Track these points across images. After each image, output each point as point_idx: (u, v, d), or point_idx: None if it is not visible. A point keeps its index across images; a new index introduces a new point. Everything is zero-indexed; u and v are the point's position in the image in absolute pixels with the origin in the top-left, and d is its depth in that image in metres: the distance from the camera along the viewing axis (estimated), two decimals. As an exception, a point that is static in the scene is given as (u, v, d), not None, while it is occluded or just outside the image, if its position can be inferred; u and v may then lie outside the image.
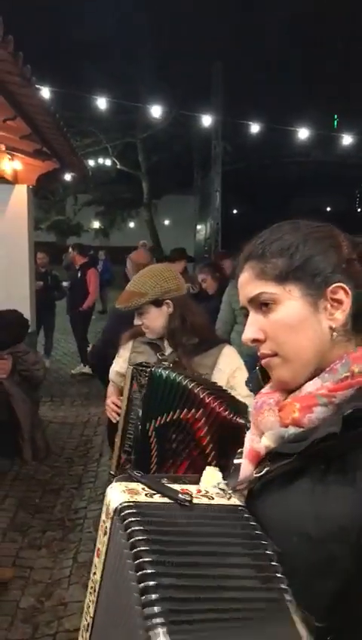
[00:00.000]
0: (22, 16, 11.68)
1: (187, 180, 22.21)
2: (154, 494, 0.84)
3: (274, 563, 0.75)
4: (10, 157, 5.89)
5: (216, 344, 2.23)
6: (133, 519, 0.76)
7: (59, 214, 23.54)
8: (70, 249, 9.08)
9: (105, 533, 0.84)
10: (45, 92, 8.09)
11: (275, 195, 25.80)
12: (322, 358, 0.89)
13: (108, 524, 0.83)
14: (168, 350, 2.23)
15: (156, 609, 0.66)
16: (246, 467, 0.94)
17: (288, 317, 0.89)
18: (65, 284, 8.78)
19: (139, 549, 0.72)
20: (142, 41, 19.13)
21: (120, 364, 2.48)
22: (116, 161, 19.92)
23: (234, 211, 30.49)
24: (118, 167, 20.23)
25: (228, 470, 0.99)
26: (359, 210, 35.43)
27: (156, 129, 18.05)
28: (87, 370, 7.68)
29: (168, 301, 2.18)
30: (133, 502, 0.81)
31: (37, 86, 4.33)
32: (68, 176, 10.58)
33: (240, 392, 1.95)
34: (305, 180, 26.45)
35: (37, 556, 3.52)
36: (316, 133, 13.11)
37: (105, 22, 21.68)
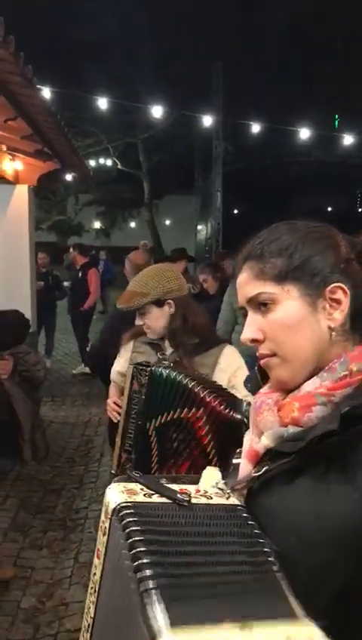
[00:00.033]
0: (23, 16, 11.69)
1: (188, 180, 22.22)
2: (153, 494, 0.84)
3: (270, 559, 0.76)
4: (11, 157, 5.89)
5: (217, 344, 2.23)
6: (130, 519, 0.76)
7: (60, 214, 23.56)
8: (71, 249, 9.09)
9: (104, 534, 0.85)
10: (46, 92, 8.10)
11: (276, 195, 25.81)
12: (321, 357, 0.89)
13: (107, 525, 0.84)
14: (169, 350, 2.23)
15: (150, 580, 0.68)
16: (245, 467, 0.94)
17: (287, 317, 0.89)
18: (66, 284, 8.79)
19: (137, 549, 0.72)
20: (143, 41, 19.16)
21: (121, 364, 2.48)
22: (117, 161, 19.94)
23: (235, 211, 30.50)
24: (119, 167, 20.25)
25: (228, 470, 0.99)
26: (360, 210, 35.42)
27: (157, 129, 18.07)
28: (87, 370, 7.68)
29: (170, 301, 2.18)
30: (131, 502, 0.81)
31: (38, 86, 4.33)
32: (69, 177, 10.59)
33: (242, 391, 1.95)
34: (306, 179, 26.46)
35: (38, 556, 3.52)
36: (317, 133, 13.12)
37: (106, 22, 21.72)
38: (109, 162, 20.02)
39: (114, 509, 0.81)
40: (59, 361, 8.95)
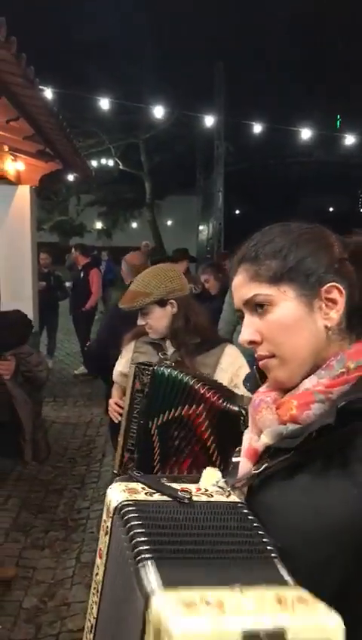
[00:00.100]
0: (25, 17, 11.71)
1: (189, 180, 22.22)
2: (154, 493, 0.85)
3: (269, 547, 0.76)
4: (13, 158, 5.89)
5: (219, 343, 2.23)
6: (132, 516, 0.77)
7: (62, 215, 23.55)
8: (73, 249, 9.10)
9: (106, 533, 0.85)
10: (48, 93, 8.11)
11: (278, 195, 25.81)
12: (318, 357, 0.90)
13: (108, 524, 0.84)
14: (170, 350, 2.24)
15: (146, 553, 0.70)
16: (244, 465, 0.94)
17: (284, 317, 0.90)
18: (67, 284, 8.80)
19: (137, 539, 0.73)
20: (145, 41, 19.17)
21: (123, 365, 2.48)
22: (119, 161, 19.94)
23: (237, 212, 30.48)
24: (121, 167, 20.25)
25: (228, 465, 0.99)
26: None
27: (159, 129, 18.07)
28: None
29: (172, 301, 2.18)
30: (132, 500, 0.82)
31: (40, 87, 4.34)
32: (71, 177, 10.60)
33: (244, 390, 1.95)
34: (307, 180, 26.45)
35: (40, 556, 3.53)
36: (318, 133, 13.11)
37: (108, 23, 21.73)
38: (111, 163, 20.02)
39: (115, 508, 0.81)
40: (61, 362, 8.96)
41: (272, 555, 0.75)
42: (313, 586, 0.70)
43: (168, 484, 0.87)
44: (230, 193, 18.38)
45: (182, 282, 2.24)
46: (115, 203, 23.75)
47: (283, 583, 0.70)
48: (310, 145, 15.88)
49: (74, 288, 8.53)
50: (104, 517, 0.86)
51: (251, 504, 0.87)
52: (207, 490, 0.88)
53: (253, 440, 0.95)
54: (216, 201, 16.83)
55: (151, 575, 0.67)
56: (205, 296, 4.87)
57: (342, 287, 0.89)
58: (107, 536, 0.85)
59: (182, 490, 0.85)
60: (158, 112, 11.26)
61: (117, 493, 0.84)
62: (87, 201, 23.63)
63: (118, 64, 17.90)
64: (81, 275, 8.33)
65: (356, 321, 0.92)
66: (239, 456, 0.98)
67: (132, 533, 0.74)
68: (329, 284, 0.89)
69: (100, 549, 0.88)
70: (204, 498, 0.86)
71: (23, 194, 6.38)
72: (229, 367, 2.16)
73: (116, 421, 2.41)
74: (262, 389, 0.98)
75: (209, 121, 12.99)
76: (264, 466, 0.89)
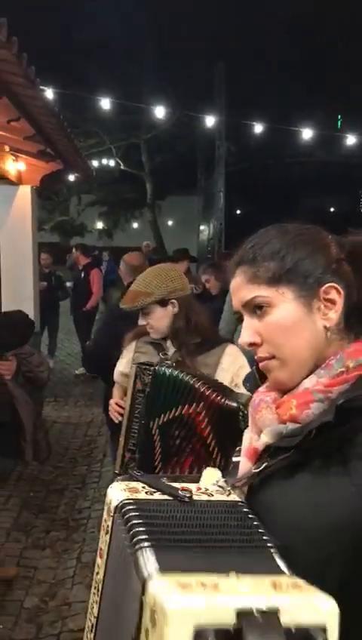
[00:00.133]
0: (26, 17, 11.72)
1: (190, 180, 22.22)
2: (155, 492, 0.85)
3: (269, 545, 0.77)
4: (14, 158, 5.90)
5: (219, 343, 2.23)
6: (133, 514, 0.78)
7: (63, 215, 23.56)
8: (74, 249, 9.10)
9: (106, 533, 0.86)
10: (49, 93, 8.12)
11: (279, 195, 25.79)
12: (318, 357, 0.90)
13: (109, 523, 0.84)
14: (171, 350, 2.24)
15: (144, 542, 0.72)
16: (244, 464, 0.95)
17: (283, 319, 0.90)
18: (68, 284, 8.81)
19: (138, 537, 0.74)
20: (146, 41, 19.16)
21: (123, 365, 2.48)
22: (120, 161, 19.96)
23: (238, 212, 30.48)
24: (122, 167, 20.27)
25: (229, 463, 1.00)
26: (363, 210, 35.37)
27: (160, 130, 18.08)
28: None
29: (173, 301, 2.18)
30: (133, 499, 0.82)
31: (41, 87, 4.34)
32: (71, 177, 10.60)
33: (245, 390, 1.96)
34: (308, 180, 26.44)
35: (41, 556, 3.53)
36: (319, 133, 13.11)
37: (109, 23, 21.73)
38: (112, 163, 20.04)
39: (116, 507, 0.82)
40: (62, 362, 8.96)
41: (270, 548, 0.76)
42: (313, 583, 0.70)
43: (168, 483, 0.88)
44: (231, 193, 18.41)
45: (183, 282, 2.24)
46: (116, 203, 23.76)
47: (280, 572, 0.71)
48: (311, 145, 15.88)
49: (75, 288, 8.54)
50: (105, 516, 0.86)
51: (251, 503, 0.87)
52: (207, 490, 0.89)
53: (253, 439, 0.95)
54: (216, 201, 16.85)
55: (148, 561, 0.68)
56: (206, 297, 4.87)
57: (340, 288, 0.90)
58: (108, 536, 0.85)
59: (183, 490, 0.85)
60: (159, 112, 11.27)
61: (117, 493, 0.85)
62: (88, 201, 23.63)
63: (118, 64, 17.93)
64: (82, 275, 8.34)
65: (354, 320, 0.92)
66: (239, 455, 0.99)
67: (133, 532, 0.75)
68: (327, 285, 0.89)
69: (101, 549, 0.88)
70: (205, 497, 0.86)
71: (24, 194, 6.38)
72: (230, 367, 2.16)
73: (116, 421, 2.41)
74: (262, 388, 0.99)
75: (210, 121, 13.00)
76: (264, 465, 0.89)
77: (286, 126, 13.16)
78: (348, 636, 0.67)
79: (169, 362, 2.08)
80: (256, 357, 0.95)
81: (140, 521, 0.76)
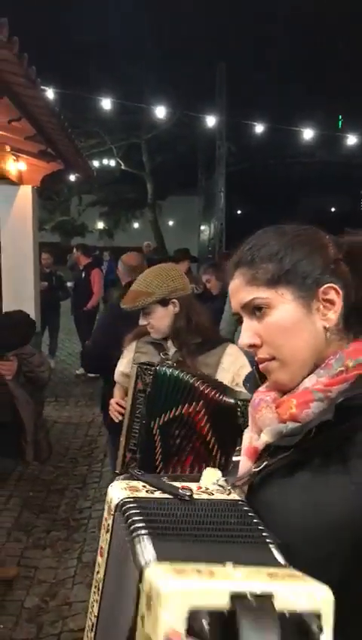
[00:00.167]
0: (27, 17, 11.71)
1: (191, 180, 22.23)
2: (155, 491, 0.86)
3: (269, 540, 0.77)
4: (15, 158, 5.90)
5: (220, 343, 2.23)
6: (133, 511, 0.78)
7: (64, 215, 23.57)
8: (74, 249, 9.11)
9: (107, 531, 0.86)
10: (50, 93, 8.12)
11: (279, 195, 25.80)
12: (318, 358, 0.90)
13: (110, 522, 0.85)
14: (172, 350, 2.23)
15: (142, 530, 0.73)
16: (245, 464, 0.95)
17: (283, 320, 0.90)
18: (69, 284, 8.81)
19: (136, 525, 0.74)
20: (147, 42, 19.16)
21: (124, 365, 2.48)
22: (120, 161, 19.97)
23: (238, 212, 30.49)
24: (123, 167, 20.27)
25: (228, 461, 1.00)
26: (364, 210, 35.34)
27: (160, 130, 18.08)
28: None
29: (174, 300, 2.18)
30: (133, 497, 0.82)
31: (42, 87, 4.34)
32: (72, 177, 10.61)
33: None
34: (309, 180, 26.43)
35: (41, 556, 3.53)
36: (320, 133, 13.11)
37: (110, 23, 21.73)
38: (113, 163, 20.05)
39: (117, 505, 0.82)
40: (63, 362, 8.96)
41: (270, 543, 0.76)
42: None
43: (169, 482, 0.88)
44: (231, 193, 18.41)
45: (184, 282, 2.24)
46: (117, 203, 23.77)
47: (278, 564, 0.72)
48: (312, 145, 15.89)
49: (75, 288, 8.54)
50: (105, 515, 0.87)
51: (251, 502, 0.87)
52: (207, 489, 0.89)
53: (253, 439, 0.95)
54: (217, 202, 16.85)
55: (146, 550, 0.69)
56: (207, 297, 4.87)
57: (338, 288, 0.90)
58: (108, 534, 0.85)
59: (183, 488, 0.85)
60: (160, 112, 11.28)
61: (118, 491, 0.85)
62: (89, 201, 23.65)
63: (119, 64, 17.93)
64: (83, 275, 8.34)
65: (353, 320, 0.92)
66: (239, 455, 0.99)
67: (131, 521, 0.76)
68: (326, 285, 0.90)
69: (101, 547, 0.88)
70: (205, 496, 0.86)
71: (25, 194, 6.38)
72: (231, 367, 2.15)
73: (117, 421, 2.41)
74: (262, 388, 0.99)
75: (211, 121, 13.00)
76: (264, 464, 0.89)
77: (286, 126, 13.16)
78: (348, 635, 0.67)
79: (170, 362, 2.08)
80: (256, 358, 0.95)
81: (140, 517, 0.77)
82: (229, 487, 0.90)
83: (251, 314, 0.94)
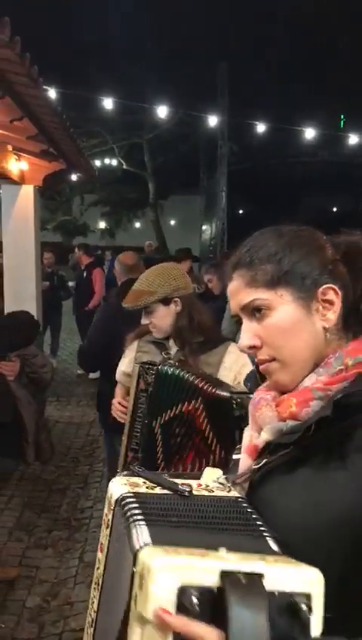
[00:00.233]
0: (29, 16, 11.72)
1: (193, 180, 22.22)
2: (155, 487, 0.86)
3: (266, 534, 0.77)
4: (16, 157, 5.90)
5: (222, 342, 2.23)
6: (132, 506, 0.78)
7: (66, 215, 23.58)
8: (76, 249, 9.11)
9: (107, 527, 0.86)
10: (52, 93, 8.12)
11: (281, 195, 25.79)
12: (317, 358, 0.91)
13: (110, 517, 0.85)
14: (174, 349, 2.23)
15: (139, 516, 0.75)
16: (245, 461, 0.95)
17: (282, 321, 0.90)
18: (71, 284, 8.81)
19: (132, 512, 0.76)
20: (148, 41, 19.17)
21: (126, 364, 2.48)
22: (122, 161, 19.97)
23: (240, 211, 30.45)
24: (124, 167, 20.28)
25: (228, 458, 1.01)
26: (365, 210, 35.26)
27: (162, 129, 18.08)
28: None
29: (176, 299, 2.18)
30: (133, 492, 0.83)
31: (44, 87, 4.34)
32: (74, 177, 10.61)
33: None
34: (311, 179, 26.42)
35: (43, 556, 3.54)
36: (322, 133, 13.10)
37: (111, 23, 21.74)
38: (114, 162, 20.06)
39: (117, 500, 0.83)
40: (65, 361, 8.97)
41: (265, 534, 0.77)
42: None
43: (169, 479, 0.89)
44: (233, 193, 18.41)
45: (186, 280, 2.24)
46: (119, 203, 23.77)
47: (272, 552, 0.72)
48: (314, 145, 15.88)
49: (77, 288, 8.55)
50: (105, 510, 0.87)
51: (251, 500, 0.88)
52: (207, 486, 0.89)
53: (253, 437, 0.95)
54: (219, 201, 16.85)
55: (142, 535, 0.70)
56: (208, 296, 4.87)
57: (337, 288, 0.90)
58: (108, 529, 0.86)
59: (183, 485, 0.86)
60: (162, 111, 11.27)
61: (118, 487, 0.85)
62: (91, 200, 23.65)
63: (121, 64, 17.94)
64: (84, 274, 8.34)
65: (352, 320, 0.93)
66: (240, 453, 0.99)
67: (130, 514, 0.76)
68: (325, 286, 0.90)
69: (101, 543, 0.89)
70: (205, 493, 0.87)
71: (27, 194, 6.38)
72: (233, 366, 2.15)
73: (120, 420, 2.41)
74: (262, 387, 0.99)
75: (212, 121, 12.99)
76: (264, 461, 0.90)
77: (288, 126, 13.15)
78: (348, 631, 0.67)
79: (172, 361, 2.08)
80: (256, 360, 0.96)
81: (139, 509, 0.77)
82: (229, 485, 0.91)
83: (251, 315, 0.94)
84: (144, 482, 0.87)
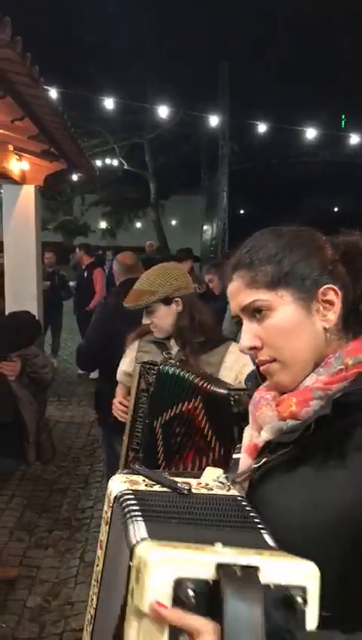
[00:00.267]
0: (30, 16, 11.72)
1: (194, 180, 22.23)
2: (154, 485, 0.87)
3: (261, 528, 0.78)
4: (17, 157, 5.90)
5: (223, 342, 2.23)
6: (131, 502, 0.79)
7: (67, 215, 23.60)
8: (77, 249, 9.11)
9: (106, 524, 0.87)
10: (53, 93, 8.12)
11: (282, 195, 25.77)
12: (318, 358, 0.91)
13: (109, 514, 0.86)
14: (175, 349, 2.23)
15: (136, 512, 0.75)
16: (245, 460, 0.96)
17: (283, 322, 0.91)
18: (71, 283, 8.81)
19: (130, 507, 0.76)
20: (150, 41, 19.17)
21: (127, 364, 2.48)
22: (123, 161, 19.98)
23: (241, 211, 30.45)
24: (125, 167, 20.29)
25: (228, 457, 1.01)
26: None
27: (163, 129, 18.08)
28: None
29: (177, 299, 2.18)
30: (132, 490, 0.83)
31: (45, 87, 4.34)
32: (75, 177, 10.62)
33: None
34: (312, 179, 26.41)
35: (44, 555, 3.54)
36: (323, 133, 13.10)
37: (113, 23, 21.73)
38: (115, 162, 20.06)
39: (115, 497, 0.83)
40: (66, 361, 8.96)
41: (261, 529, 0.77)
42: None
43: (169, 477, 0.89)
44: (234, 193, 18.41)
45: (187, 280, 2.24)
46: (120, 203, 23.78)
47: (269, 547, 0.73)
48: (315, 145, 15.87)
49: (78, 288, 8.55)
50: (105, 508, 0.88)
51: (251, 499, 0.88)
52: (207, 485, 0.90)
53: (253, 436, 0.96)
54: (220, 201, 16.85)
55: (139, 531, 0.70)
56: (209, 296, 4.87)
57: (337, 289, 0.91)
58: (107, 526, 0.86)
59: (182, 483, 0.86)
60: (163, 111, 11.27)
61: (118, 484, 0.86)
62: (92, 200, 23.67)
63: (122, 64, 17.96)
64: (85, 274, 8.34)
65: (352, 321, 0.93)
66: (239, 452, 0.99)
67: (126, 507, 0.77)
68: (325, 286, 0.90)
69: (101, 541, 0.89)
70: (204, 491, 0.87)
71: (28, 194, 6.38)
72: (234, 366, 2.15)
73: (122, 420, 2.41)
74: (263, 386, 0.99)
75: (213, 121, 12.99)
76: (264, 460, 0.90)
77: (289, 126, 13.15)
78: (348, 629, 0.68)
79: (173, 361, 2.07)
80: (256, 360, 0.96)
81: (137, 507, 0.78)
82: (229, 484, 0.91)
83: (251, 316, 0.94)
84: (143, 480, 0.88)
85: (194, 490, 0.85)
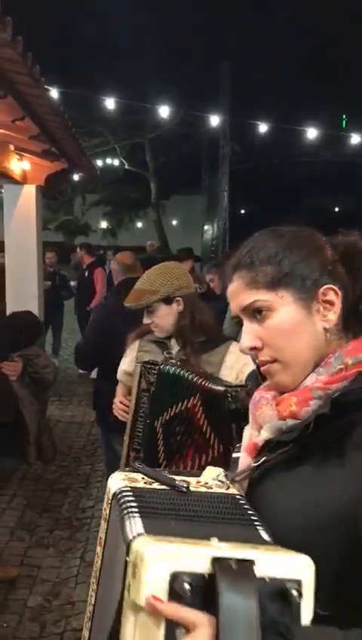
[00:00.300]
0: (31, 16, 11.73)
1: (195, 180, 22.23)
2: (153, 482, 0.87)
3: (257, 524, 0.78)
4: (18, 157, 5.90)
5: (223, 341, 2.23)
6: (129, 499, 0.79)
7: (68, 214, 23.61)
8: (78, 249, 9.12)
9: (105, 521, 0.88)
10: (54, 92, 8.12)
11: (283, 195, 25.77)
12: (318, 359, 0.91)
13: (107, 511, 0.86)
14: (175, 348, 2.23)
15: (133, 508, 0.76)
16: (244, 460, 0.96)
17: (283, 322, 0.91)
18: (72, 283, 8.82)
19: (127, 504, 0.77)
20: (151, 41, 19.18)
21: (127, 364, 2.47)
22: (124, 161, 19.99)
23: (242, 211, 30.44)
24: (126, 167, 20.29)
25: (228, 455, 1.01)
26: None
27: (164, 129, 18.08)
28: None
29: (178, 298, 2.18)
30: (131, 487, 0.84)
31: (46, 86, 4.34)
32: (76, 177, 10.62)
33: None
34: (313, 179, 26.39)
35: (44, 555, 3.54)
36: (324, 133, 13.09)
37: (114, 23, 21.74)
38: (116, 162, 20.07)
39: (114, 494, 0.84)
40: (66, 361, 8.96)
41: (257, 525, 0.77)
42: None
43: (168, 475, 0.89)
44: (235, 193, 18.41)
45: (188, 280, 2.24)
46: (120, 202, 23.80)
47: (264, 542, 0.73)
48: (316, 145, 15.87)
49: (79, 287, 8.56)
50: (104, 505, 0.88)
51: (251, 498, 0.88)
52: (206, 483, 0.90)
53: (253, 435, 0.96)
54: (221, 201, 16.84)
55: (135, 526, 0.71)
56: (210, 296, 4.86)
57: (337, 289, 0.91)
58: (106, 523, 0.87)
59: (181, 481, 0.86)
60: (163, 111, 11.27)
61: (117, 482, 0.86)
62: (93, 200, 23.68)
63: (123, 64, 17.97)
64: (86, 274, 8.35)
65: (352, 321, 0.93)
66: (239, 451, 1.00)
67: (123, 503, 0.78)
68: (325, 287, 0.91)
69: (100, 538, 0.90)
70: (203, 489, 0.87)
71: (29, 193, 6.38)
72: (234, 365, 2.15)
73: (123, 419, 2.41)
74: (263, 386, 1.00)
75: (214, 120, 12.98)
76: (263, 458, 0.90)
77: (290, 126, 13.15)
78: (346, 628, 0.68)
79: (174, 361, 2.08)
80: (257, 361, 0.96)
81: (135, 504, 0.78)
82: (228, 483, 0.91)
83: (251, 317, 0.94)
84: (143, 478, 0.88)
85: (192, 489, 0.85)
